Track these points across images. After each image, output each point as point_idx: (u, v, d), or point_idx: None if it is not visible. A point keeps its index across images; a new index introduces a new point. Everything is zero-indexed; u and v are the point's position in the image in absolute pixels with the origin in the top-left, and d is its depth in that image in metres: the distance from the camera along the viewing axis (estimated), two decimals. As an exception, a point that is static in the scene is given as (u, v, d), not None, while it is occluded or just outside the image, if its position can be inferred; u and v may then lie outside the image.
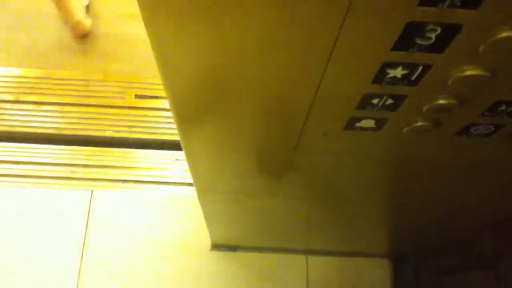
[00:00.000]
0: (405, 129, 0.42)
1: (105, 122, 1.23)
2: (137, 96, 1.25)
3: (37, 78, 1.23)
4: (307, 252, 1.19)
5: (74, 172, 1.19)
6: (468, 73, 0.32)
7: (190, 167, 0.57)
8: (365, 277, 1.21)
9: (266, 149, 0.49)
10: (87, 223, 1.16)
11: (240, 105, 0.41)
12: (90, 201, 1.19)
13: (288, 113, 0.42)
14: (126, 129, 1.23)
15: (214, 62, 0.34)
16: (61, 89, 1.24)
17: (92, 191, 1.20)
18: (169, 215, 1.18)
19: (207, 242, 1.16)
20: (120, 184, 1.20)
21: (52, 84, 1.24)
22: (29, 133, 1.19)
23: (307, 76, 0.34)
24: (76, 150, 1.21)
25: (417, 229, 0.91)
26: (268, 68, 0.35)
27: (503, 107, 0.37)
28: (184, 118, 0.45)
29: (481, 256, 0.82)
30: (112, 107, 1.24)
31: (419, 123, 0.41)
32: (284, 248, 1.20)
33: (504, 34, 0.28)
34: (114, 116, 1.23)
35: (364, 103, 0.38)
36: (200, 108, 0.43)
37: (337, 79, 0.35)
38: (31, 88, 1.22)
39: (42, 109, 1.21)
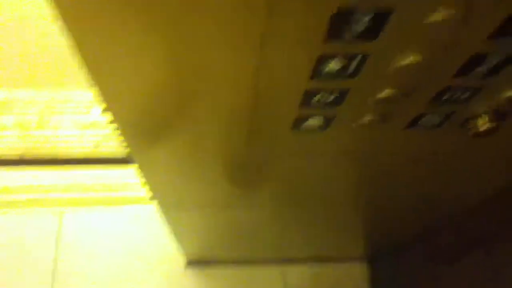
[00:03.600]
0: (354, 125, 0.41)
1: (72, 140, 1.19)
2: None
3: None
4: (283, 261, 1.17)
5: (41, 195, 1.15)
6: (406, 61, 0.31)
7: (149, 185, 0.55)
8: (343, 281, 1.20)
9: (223, 156, 0.48)
10: (57, 247, 1.12)
11: (192, 116, 0.40)
12: (60, 224, 1.15)
13: (235, 119, 0.40)
14: (91, 146, 1.19)
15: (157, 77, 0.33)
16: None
17: (61, 213, 1.15)
18: (142, 233, 1.15)
19: (182, 258, 1.13)
20: (89, 204, 1.16)
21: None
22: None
23: (242, 80, 0.33)
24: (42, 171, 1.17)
25: (386, 226, 0.91)
26: (205, 74, 0.33)
27: (448, 95, 0.37)
28: (135, 134, 0.43)
29: (448, 248, 0.82)
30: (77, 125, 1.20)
31: (367, 118, 0.40)
32: (260, 258, 1.18)
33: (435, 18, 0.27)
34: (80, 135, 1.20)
35: (306, 100, 0.36)
36: (150, 124, 0.41)
37: (273, 80, 0.33)
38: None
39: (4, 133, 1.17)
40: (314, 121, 0.40)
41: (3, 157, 1.14)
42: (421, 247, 0.95)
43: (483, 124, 0.40)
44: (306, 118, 0.40)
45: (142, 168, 0.48)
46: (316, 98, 0.36)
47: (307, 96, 0.36)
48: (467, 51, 0.31)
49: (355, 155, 0.47)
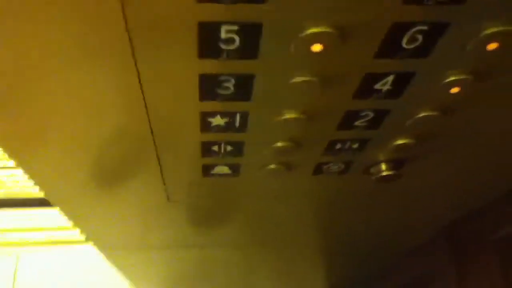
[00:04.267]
0: (260, 172, 0.43)
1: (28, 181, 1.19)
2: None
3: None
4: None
5: (-3, 236, 1.15)
6: (286, 116, 0.34)
7: (78, 228, 0.56)
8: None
9: (142, 202, 0.49)
10: (13, 288, 1.11)
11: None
12: (17, 265, 1.14)
13: (144, 167, 0.42)
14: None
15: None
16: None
17: (17, 255, 1.15)
18: (99, 274, 1.14)
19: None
20: (46, 245, 1.16)
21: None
22: None
23: (138, 128, 0.35)
24: (-1, 214, 1.17)
25: (344, 263, 0.92)
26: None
27: (339, 146, 0.39)
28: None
29: (414, 281, 0.83)
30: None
31: (272, 166, 0.42)
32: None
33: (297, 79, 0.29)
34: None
35: (206, 151, 0.38)
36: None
37: (167, 131, 0.35)
38: None
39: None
40: (221, 169, 0.42)
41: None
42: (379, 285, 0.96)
43: (384, 170, 0.43)
44: (212, 167, 0.42)
45: (66, 214, 0.49)
46: (214, 149, 0.38)
47: (205, 148, 0.38)
48: (340, 109, 0.34)
49: (272, 199, 0.49)
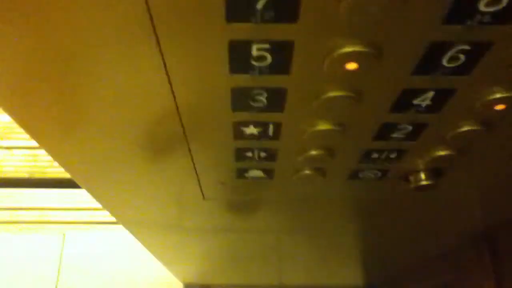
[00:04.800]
0: (294, 177, 0.43)
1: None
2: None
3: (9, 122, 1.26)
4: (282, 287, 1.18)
5: (45, 215, 1.20)
6: (320, 127, 0.33)
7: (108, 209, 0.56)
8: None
9: (177, 197, 0.50)
10: (60, 267, 1.17)
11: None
12: (63, 244, 1.20)
13: (179, 167, 0.42)
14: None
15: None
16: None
17: (64, 234, 1.20)
18: (142, 255, 1.18)
19: (179, 282, 1.16)
20: (91, 225, 1.21)
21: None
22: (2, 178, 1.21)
23: (173, 136, 0.35)
24: (47, 194, 1.23)
25: (381, 258, 0.91)
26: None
27: (375, 155, 0.38)
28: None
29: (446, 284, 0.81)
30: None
31: (306, 171, 0.42)
32: (259, 285, 1.19)
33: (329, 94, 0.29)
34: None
35: (240, 156, 0.39)
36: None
37: (201, 138, 0.36)
38: (2, 133, 1.24)
39: (14, 153, 1.23)
40: (255, 173, 0.42)
41: (11, 177, 1.20)
42: (415, 281, 0.94)
43: (422, 179, 0.42)
44: (246, 170, 0.42)
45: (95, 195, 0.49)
46: (248, 155, 0.38)
47: (239, 153, 0.38)
48: (376, 122, 0.33)
49: (306, 202, 0.49)
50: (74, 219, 1.21)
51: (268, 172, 0.42)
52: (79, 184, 0.46)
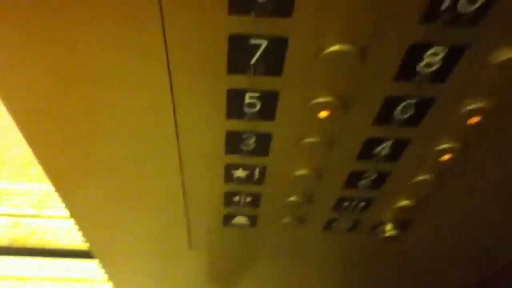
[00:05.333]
0: (274, 225, 0.47)
1: (62, 233, 1.26)
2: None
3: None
4: None
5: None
6: (298, 173, 0.39)
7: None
8: None
9: (163, 247, 0.54)
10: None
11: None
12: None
13: (171, 210, 0.47)
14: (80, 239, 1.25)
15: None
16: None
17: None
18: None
19: None
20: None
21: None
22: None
23: (169, 176, 0.41)
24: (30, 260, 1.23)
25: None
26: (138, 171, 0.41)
27: (347, 203, 0.43)
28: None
29: None
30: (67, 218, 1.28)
31: (285, 219, 0.47)
32: None
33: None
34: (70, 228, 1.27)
35: (228, 201, 0.44)
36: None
37: (196, 180, 0.41)
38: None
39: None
40: (240, 220, 0.47)
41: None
42: None
43: (388, 230, 0.47)
44: (232, 217, 0.47)
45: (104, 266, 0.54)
46: (235, 199, 0.43)
47: (227, 197, 0.43)
48: (345, 169, 0.39)
49: (282, 252, 0.53)
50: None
51: (252, 219, 0.47)
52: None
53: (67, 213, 0.46)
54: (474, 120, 0.33)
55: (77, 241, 1.26)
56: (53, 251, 1.25)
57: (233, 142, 0.36)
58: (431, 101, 0.31)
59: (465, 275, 0.57)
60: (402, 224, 0.46)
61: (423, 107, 0.32)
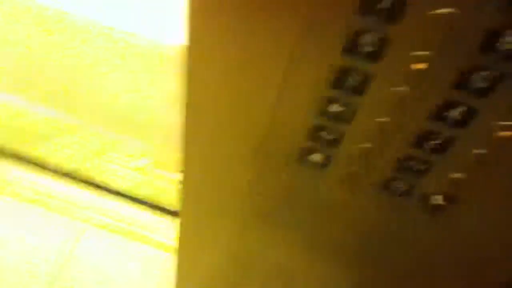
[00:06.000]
0: (343, 171, 0.56)
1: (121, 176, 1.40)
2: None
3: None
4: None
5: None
6: (379, 119, 0.48)
7: None
8: None
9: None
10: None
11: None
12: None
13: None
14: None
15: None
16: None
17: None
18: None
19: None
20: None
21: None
22: None
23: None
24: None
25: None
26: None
27: (408, 163, 0.52)
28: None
29: None
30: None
31: (353, 167, 0.56)
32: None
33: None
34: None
35: (313, 135, 0.53)
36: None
37: (288, 109, 0.51)
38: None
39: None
40: (316, 157, 0.56)
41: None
42: None
43: (438, 200, 0.55)
44: (310, 152, 0.56)
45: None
46: (321, 135, 0.53)
47: (314, 131, 0.53)
48: (417, 127, 0.48)
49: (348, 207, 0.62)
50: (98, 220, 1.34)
51: (326, 160, 0.56)
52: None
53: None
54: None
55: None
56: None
57: (339, 77, 0.46)
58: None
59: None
60: (452, 197, 0.54)
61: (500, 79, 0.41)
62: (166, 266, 1.30)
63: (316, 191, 0.62)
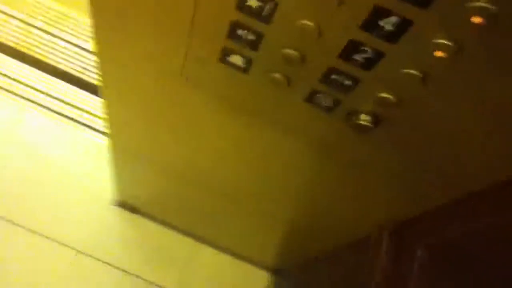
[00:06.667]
0: (264, 79, 0.50)
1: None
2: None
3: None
4: (202, 239, 1.24)
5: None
6: (302, 21, 0.41)
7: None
8: (244, 284, 1.26)
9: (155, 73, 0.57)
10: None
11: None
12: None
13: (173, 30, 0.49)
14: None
15: None
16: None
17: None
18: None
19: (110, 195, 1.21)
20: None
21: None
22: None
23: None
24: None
25: (296, 238, 0.98)
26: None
27: (334, 76, 0.46)
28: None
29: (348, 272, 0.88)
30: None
31: (276, 74, 0.49)
32: (182, 230, 1.24)
33: None
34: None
35: (232, 33, 0.46)
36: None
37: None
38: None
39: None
40: (236, 59, 0.50)
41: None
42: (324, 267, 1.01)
43: (363, 119, 0.50)
44: (230, 53, 0.49)
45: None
46: (239, 33, 0.46)
47: (233, 29, 0.45)
48: (345, 35, 0.41)
49: (263, 115, 0.56)
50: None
51: (247, 62, 0.49)
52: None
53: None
54: (477, 20, 0.34)
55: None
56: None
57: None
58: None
59: (431, 190, 0.58)
60: (377, 118, 0.49)
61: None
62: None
63: (240, 93, 0.56)
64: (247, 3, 0.42)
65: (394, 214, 0.67)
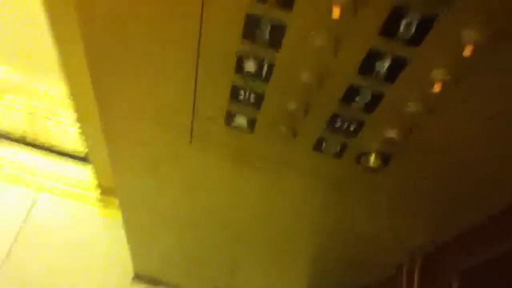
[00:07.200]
0: (270, 134, 0.51)
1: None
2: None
3: None
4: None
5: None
6: (301, 76, 0.42)
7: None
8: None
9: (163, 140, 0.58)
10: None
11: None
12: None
13: (177, 98, 0.51)
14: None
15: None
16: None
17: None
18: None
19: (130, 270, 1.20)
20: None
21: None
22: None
23: (185, 52, 0.44)
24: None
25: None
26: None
27: (338, 122, 0.47)
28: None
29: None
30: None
31: (281, 127, 0.50)
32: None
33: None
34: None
35: (234, 95, 0.47)
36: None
37: (208, 67, 0.45)
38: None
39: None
40: (240, 120, 0.51)
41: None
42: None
43: (372, 161, 0.50)
44: (234, 115, 0.50)
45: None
46: (240, 96, 0.47)
47: (234, 91, 0.47)
48: (344, 82, 0.42)
49: (276, 168, 0.57)
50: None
51: (251, 122, 0.51)
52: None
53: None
54: (469, 49, 0.36)
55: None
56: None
57: (250, 26, 0.39)
58: (432, 21, 0.35)
59: (443, 222, 0.58)
60: (385, 157, 0.50)
61: (425, 26, 0.35)
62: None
63: (251, 152, 0.57)
64: (246, 68, 0.43)
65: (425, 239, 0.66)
